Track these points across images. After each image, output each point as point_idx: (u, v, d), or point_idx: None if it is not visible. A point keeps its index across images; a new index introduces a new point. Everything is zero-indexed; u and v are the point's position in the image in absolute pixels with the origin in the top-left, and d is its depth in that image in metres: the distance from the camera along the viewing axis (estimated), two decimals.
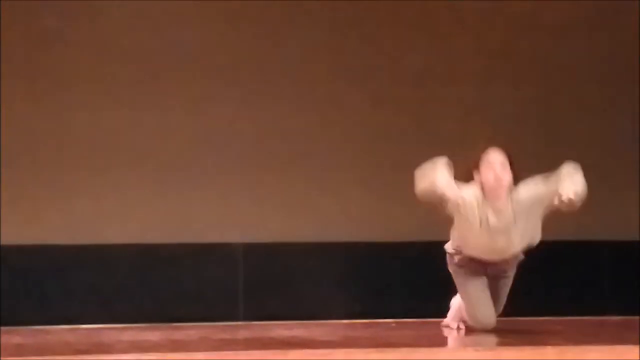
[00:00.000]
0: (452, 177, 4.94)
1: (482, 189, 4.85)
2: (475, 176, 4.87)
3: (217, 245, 6.99)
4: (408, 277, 6.15)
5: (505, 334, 4.67)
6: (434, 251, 5.25)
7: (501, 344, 4.59)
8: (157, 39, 7.59)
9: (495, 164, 4.82)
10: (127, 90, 7.42)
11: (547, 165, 6.11)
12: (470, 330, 4.92)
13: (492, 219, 4.84)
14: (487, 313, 4.92)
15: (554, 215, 5.77)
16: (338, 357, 3.95)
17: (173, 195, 7.18)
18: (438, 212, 5.21)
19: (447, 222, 5.19)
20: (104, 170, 7.22)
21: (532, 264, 5.46)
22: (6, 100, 7.21)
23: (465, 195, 4.88)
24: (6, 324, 5.87)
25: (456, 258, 4.94)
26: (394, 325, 5.62)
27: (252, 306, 6.65)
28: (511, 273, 5.06)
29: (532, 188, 4.93)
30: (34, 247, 6.74)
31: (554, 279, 6.93)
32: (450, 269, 4.97)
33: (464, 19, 7.75)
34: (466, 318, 4.92)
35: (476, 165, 4.86)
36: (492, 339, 4.66)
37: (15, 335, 5.13)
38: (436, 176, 4.89)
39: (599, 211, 7.05)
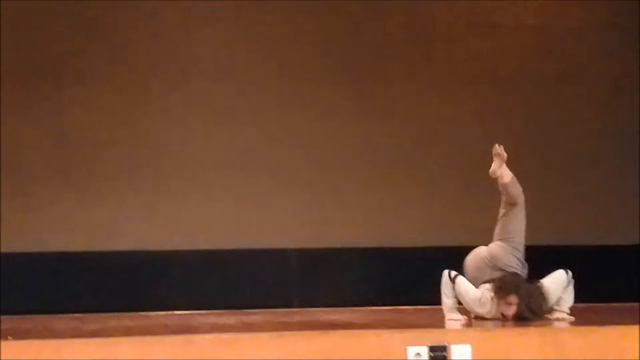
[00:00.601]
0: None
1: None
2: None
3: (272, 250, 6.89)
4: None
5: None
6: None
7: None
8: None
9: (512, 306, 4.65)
10: (194, 105, 7.19)
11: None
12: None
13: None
14: None
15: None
16: (369, 337, 4.02)
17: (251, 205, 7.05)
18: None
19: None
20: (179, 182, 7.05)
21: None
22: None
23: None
24: (120, 311, 6.05)
25: None
26: (412, 310, 5.74)
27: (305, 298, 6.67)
28: None
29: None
30: (143, 252, 6.73)
31: None
32: None
33: None
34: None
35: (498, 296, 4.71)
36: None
37: (125, 320, 5.46)
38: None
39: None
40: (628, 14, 7.51)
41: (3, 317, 5.62)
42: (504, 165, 4.88)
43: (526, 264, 4.95)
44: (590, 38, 7.57)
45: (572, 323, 4.64)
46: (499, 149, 4.83)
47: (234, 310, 6.02)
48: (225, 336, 4.18)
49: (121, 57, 7.09)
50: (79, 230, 6.62)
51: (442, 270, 5.00)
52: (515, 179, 4.93)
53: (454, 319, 4.80)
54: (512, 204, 4.95)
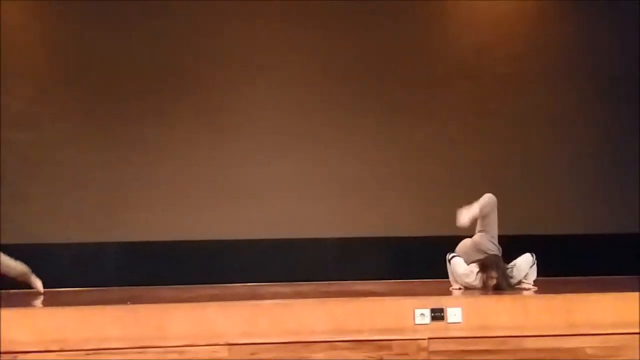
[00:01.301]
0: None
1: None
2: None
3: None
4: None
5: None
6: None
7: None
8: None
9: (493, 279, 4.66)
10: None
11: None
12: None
13: None
14: None
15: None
16: (387, 302, 4.09)
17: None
18: None
19: None
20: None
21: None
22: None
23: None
24: (204, 283, 6.01)
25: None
26: (418, 283, 5.59)
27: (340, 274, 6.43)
28: None
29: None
30: (224, 240, 6.56)
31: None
32: None
33: None
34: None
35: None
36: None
37: (209, 289, 5.44)
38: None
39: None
40: None
41: (116, 288, 5.68)
42: (467, 217, 4.91)
43: (500, 247, 5.00)
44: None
45: (535, 292, 4.65)
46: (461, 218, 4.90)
47: (289, 283, 5.97)
48: (283, 301, 4.18)
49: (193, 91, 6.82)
50: (178, 226, 6.52)
51: (444, 254, 5.06)
52: (482, 205, 4.94)
53: (455, 288, 4.88)
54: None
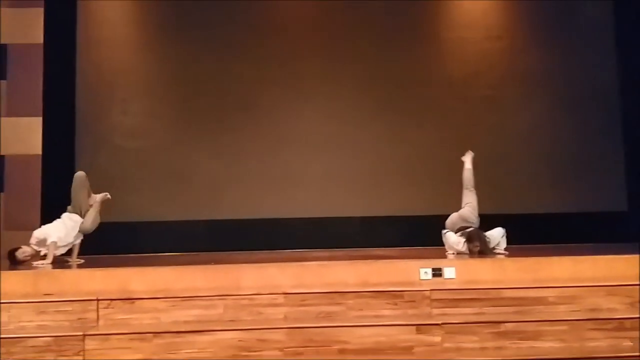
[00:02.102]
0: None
1: None
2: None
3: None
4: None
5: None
6: None
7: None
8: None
9: (477, 247, 4.59)
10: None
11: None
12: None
13: None
14: None
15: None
16: (399, 264, 4.01)
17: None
18: None
19: None
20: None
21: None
22: None
23: None
24: (266, 249, 5.91)
25: None
26: (422, 249, 5.41)
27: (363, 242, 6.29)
28: None
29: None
30: (272, 219, 6.42)
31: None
32: None
33: None
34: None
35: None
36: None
37: (269, 254, 5.30)
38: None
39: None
40: None
41: (203, 253, 5.59)
42: (470, 159, 5.00)
43: (479, 218, 4.95)
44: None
45: (509, 256, 4.53)
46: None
47: (327, 249, 5.91)
48: (323, 263, 4.11)
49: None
50: (246, 207, 6.41)
51: (441, 228, 5.04)
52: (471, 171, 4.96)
53: (450, 254, 4.80)
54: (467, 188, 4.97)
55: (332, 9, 6.76)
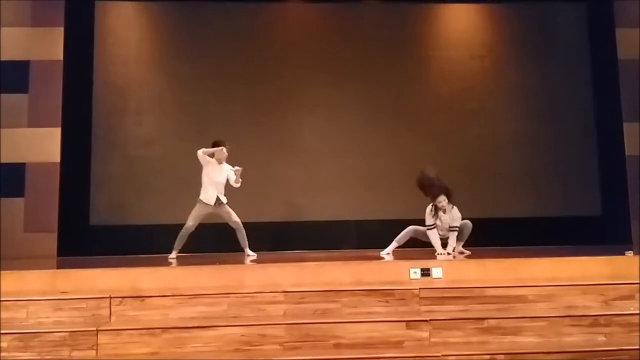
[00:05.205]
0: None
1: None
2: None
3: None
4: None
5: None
6: None
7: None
8: None
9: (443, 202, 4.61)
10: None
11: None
12: None
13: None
14: None
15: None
16: (390, 264, 4.03)
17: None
18: None
19: None
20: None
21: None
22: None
23: None
24: (266, 251, 5.69)
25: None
26: (411, 250, 5.24)
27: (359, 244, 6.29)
28: None
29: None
30: (270, 223, 6.42)
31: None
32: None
33: None
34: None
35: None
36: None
37: (270, 255, 5.28)
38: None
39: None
40: None
41: (209, 254, 5.49)
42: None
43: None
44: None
45: (492, 256, 4.32)
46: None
47: (324, 251, 5.89)
48: (320, 263, 4.05)
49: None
50: (248, 212, 6.06)
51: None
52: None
53: (439, 253, 4.72)
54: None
55: (332, 32, 6.94)
